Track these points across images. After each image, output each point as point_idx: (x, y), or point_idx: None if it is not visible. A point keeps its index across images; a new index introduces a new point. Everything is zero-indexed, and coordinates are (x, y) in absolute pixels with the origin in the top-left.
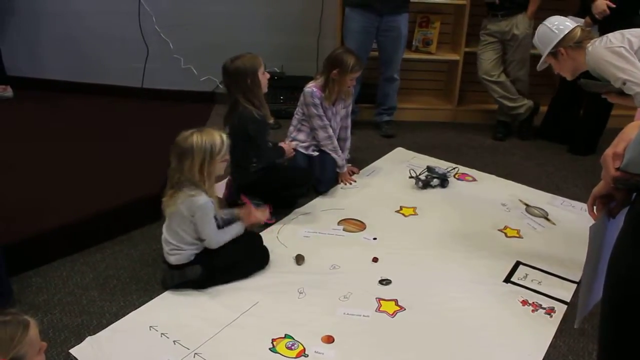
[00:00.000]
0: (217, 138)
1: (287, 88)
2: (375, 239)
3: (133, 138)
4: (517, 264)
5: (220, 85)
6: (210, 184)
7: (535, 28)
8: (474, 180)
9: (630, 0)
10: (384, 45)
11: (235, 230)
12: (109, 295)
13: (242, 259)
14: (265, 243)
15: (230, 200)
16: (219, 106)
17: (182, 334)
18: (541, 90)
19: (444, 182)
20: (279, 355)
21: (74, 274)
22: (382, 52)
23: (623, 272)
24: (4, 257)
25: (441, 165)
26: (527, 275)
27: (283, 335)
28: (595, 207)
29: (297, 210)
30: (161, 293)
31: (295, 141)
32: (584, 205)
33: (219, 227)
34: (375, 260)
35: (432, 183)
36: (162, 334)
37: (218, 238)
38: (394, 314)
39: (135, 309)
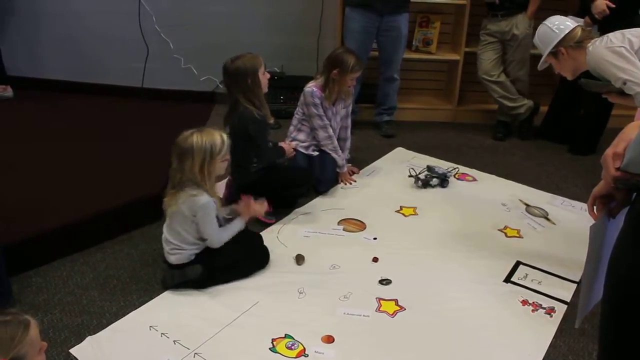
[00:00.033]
0: (217, 138)
1: (287, 88)
2: (375, 238)
3: (133, 138)
4: (517, 263)
5: (220, 85)
6: (212, 183)
7: (535, 28)
8: (474, 180)
9: (630, 0)
10: (384, 45)
11: (236, 227)
12: (109, 295)
13: (243, 258)
14: (265, 243)
15: (231, 200)
16: (219, 106)
17: (182, 333)
18: (541, 90)
19: (443, 182)
20: (279, 355)
21: (74, 274)
22: (382, 52)
23: (623, 272)
24: (4, 257)
25: (441, 165)
26: (527, 275)
27: (283, 335)
28: (595, 207)
29: (297, 210)
30: (161, 293)
31: (295, 141)
32: (584, 205)
33: (220, 226)
34: (375, 260)
35: (431, 182)
36: (162, 333)
37: (220, 237)
38: (394, 314)
39: (136, 308)
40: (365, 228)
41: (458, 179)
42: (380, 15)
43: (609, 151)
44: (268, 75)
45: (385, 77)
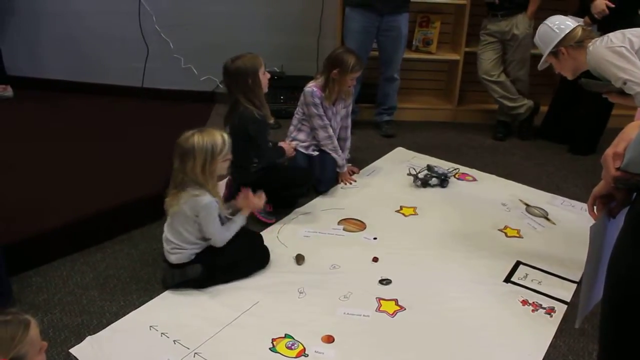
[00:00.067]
0: (218, 138)
1: (287, 88)
2: (375, 238)
3: (133, 138)
4: (517, 263)
5: (220, 85)
6: (214, 183)
7: (535, 28)
8: (474, 180)
9: (630, 0)
10: (384, 45)
11: (238, 223)
12: (109, 295)
13: (243, 258)
14: (265, 243)
15: (231, 200)
16: (219, 106)
17: (182, 333)
18: (541, 90)
19: (443, 182)
20: (279, 355)
21: (74, 274)
22: (382, 52)
23: (623, 272)
24: (4, 256)
25: (442, 165)
26: (527, 275)
27: (283, 335)
28: (595, 207)
29: (297, 210)
30: (161, 293)
31: (295, 141)
32: (584, 205)
33: (223, 225)
34: (375, 260)
35: (430, 182)
36: (162, 333)
37: (223, 236)
38: (394, 314)
39: (136, 308)
40: (365, 228)
41: (458, 178)
42: (381, 15)
43: (609, 151)
44: (268, 75)
45: (385, 77)
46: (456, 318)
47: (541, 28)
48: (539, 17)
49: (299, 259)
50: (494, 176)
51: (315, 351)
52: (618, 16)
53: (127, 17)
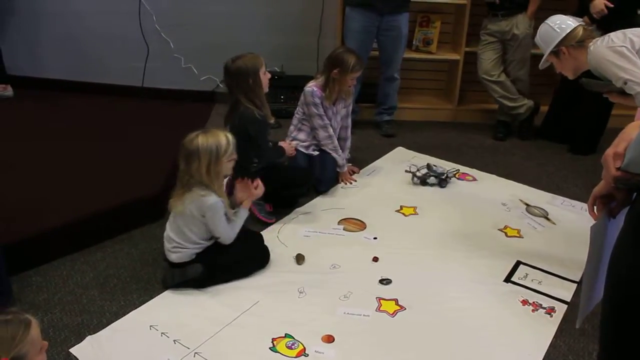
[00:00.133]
0: (223, 138)
1: (288, 88)
2: (375, 238)
3: (133, 137)
4: (518, 263)
5: (220, 85)
6: (219, 183)
7: (535, 28)
8: (474, 180)
9: (629, 0)
10: (385, 44)
11: (241, 218)
12: (109, 295)
13: (243, 258)
14: (265, 242)
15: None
16: (219, 105)
17: (182, 333)
18: (541, 90)
19: (442, 182)
20: (279, 354)
21: (74, 273)
22: (382, 52)
23: (623, 272)
24: (4, 256)
25: (442, 165)
26: (527, 275)
27: (283, 335)
28: (595, 207)
29: (297, 209)
30: (161, 292)
31: (295, 141)
32: (584, 205)
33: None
34: (375, 259)
35: (428, 180)
36: (162, 333)
37: (230, 234)
38: (394, 314)
39: (136, 308)
40: (365, 228)
41: (458, 178)
42: (381, 14)
43: (610, 151)
44: (269, 75)
45: (385, 76)
46: (456, 318)
47: (542, 27)
48: (539, 17)
49: (299, 259)
50: (494, 176)
51: (316, 351)
52: (617, 16)
53: (128, 16)
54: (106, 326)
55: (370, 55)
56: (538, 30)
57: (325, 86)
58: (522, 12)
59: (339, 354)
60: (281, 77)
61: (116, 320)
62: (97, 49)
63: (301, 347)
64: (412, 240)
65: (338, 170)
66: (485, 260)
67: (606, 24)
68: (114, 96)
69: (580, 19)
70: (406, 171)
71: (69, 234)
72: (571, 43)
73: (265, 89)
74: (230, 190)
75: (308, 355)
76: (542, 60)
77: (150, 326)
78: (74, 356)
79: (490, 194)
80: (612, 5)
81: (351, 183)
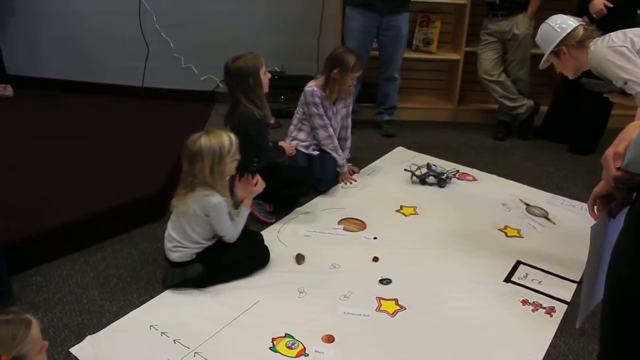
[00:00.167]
0: (226, 139)
1: (288, 87)
2: (375, 238)
3: (133, 137)
4: (518, 263)
5: (220, 85)
6: (223, 183)
7: (535, 28)
8: (475, 179)
9: (629, 0)
10: (385, 44)
11: (243, 216)
12: (109, 295)
13: (243, 258)
14: (265, 242)
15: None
16: (220, 105)
17: (182, 333)
18: (542, 89)
19: (441, 182)
20: (279, 354)
21: (74, 273)
22: (382, 52)
23: (623, 272)
24: (4, 256)
25: (442, 165)
26: (527, 274)
27: (283, 335)
28: (595, 207)
29: (297, 209)
30: (161, 292)
31: (295, 140)
32: (584, 205)
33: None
34: (375, 259)
35: (427, 180)
36: (162, 333)
37: (234, 232)
38: (394, 314)
39: (136, 308)
40: (365, 227)
41: (458, 178)
42: (381, 14)
43: (610, 151)
44: (269, 75)
45: (385, 76)
46: (456, 318)
47: (543, 27)
48: (539, 17)
49: (299, 259)
50: (494, 176)
51: (316, 351)
52: (617, 16)
53: (128, 16)
54: (106, 326)
55: (370, 55)
56: (538, 30)
57: (326, 86)
58: (522, 12)
59: (339, 354)
60: (281, 77)
61: (116, 320)
62: (97, 49)
63: (301, 347)
64: (412, 240)
65: (338, 170)
66: (485, 260)
67: (606, 24)
68: (114, 96)
69: (581, 19)
70: (405, 170)
71: (69, 233)
72: (572, 43)
73: (266, 88)
74: (230, 189)
75: (308, 355)
76: (543, 60)
77: (150, 326)
78: (74, 356)
79: (490, 194)
80: (611, 5)
81: (351, 183)
